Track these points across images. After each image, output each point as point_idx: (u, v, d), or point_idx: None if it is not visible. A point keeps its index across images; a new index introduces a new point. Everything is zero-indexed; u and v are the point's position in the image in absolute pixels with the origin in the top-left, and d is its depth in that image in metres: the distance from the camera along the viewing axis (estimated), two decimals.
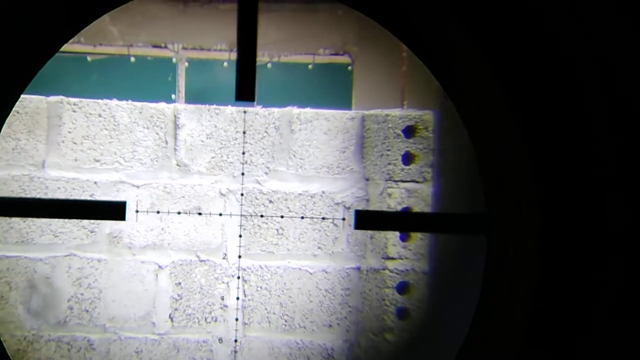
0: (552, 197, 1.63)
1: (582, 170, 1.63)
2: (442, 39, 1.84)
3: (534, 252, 1.68)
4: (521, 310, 1.72)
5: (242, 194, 2.92)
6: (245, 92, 1.88)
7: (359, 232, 2.90)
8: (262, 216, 2.92)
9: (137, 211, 2.88)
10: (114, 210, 1.90)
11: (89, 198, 2.90)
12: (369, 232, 2.91)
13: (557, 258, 1.65)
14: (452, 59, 1.86)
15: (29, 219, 2.88)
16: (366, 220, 2.01)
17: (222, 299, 2.93)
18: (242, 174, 2.91)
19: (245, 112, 2.89)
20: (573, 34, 1.61)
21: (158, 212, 2.89)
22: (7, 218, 2.88)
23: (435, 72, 1.97)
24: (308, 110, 2.93)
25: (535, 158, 1.64)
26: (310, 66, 2.94)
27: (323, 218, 2.90)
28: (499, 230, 1.85)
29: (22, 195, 2.88)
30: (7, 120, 2.84)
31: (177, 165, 2.92)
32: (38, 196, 2.89)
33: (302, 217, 2.90)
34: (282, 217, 2.91)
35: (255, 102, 2.54)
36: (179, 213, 2.90)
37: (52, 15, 1.81)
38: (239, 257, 2.93)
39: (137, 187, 2.92)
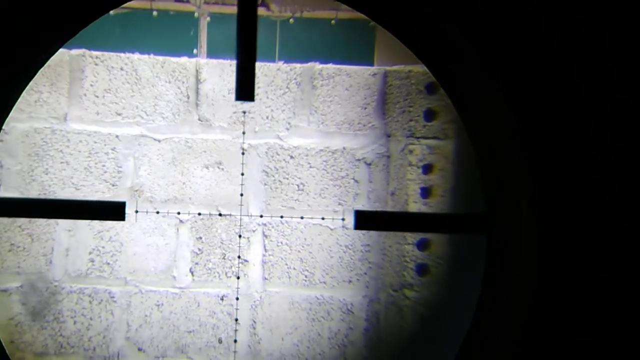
0: (551, 198, 1.64)
1: (581, 172, 1.63)
2: (441, 41, 1.83)
3: (533, 252, 1.69)
4: (520, 309, 1.73)
5: (263, 150, 2.92)
6: (245, 92, 1.89)
7: (380, 188, 2.90)
8: (283, 171, 2.93)
9: (136, 211, 2.89)
10: (114, 211, 1.91)
11: (108, 155, 2.91)
12: (390, 188, 2.92)
13: (556, 258, 1.65)
14: (452, 61, 1.86)
15: (52, 172, 2.90)
16: (366, 220, 2.02)
17: (243, 253, 2.95)
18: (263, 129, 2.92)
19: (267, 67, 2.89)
20: (572, 35, 1.61)
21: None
22: (29, 171, 2.89)
23: (435, 73, 1.97)
24: (330, 66, 2.93)
25: (534, 159, 1.64)
26: (332, 21, 2.93)
27: (342, 219, 2.91)
28: (498, 231, 1.86)
29: (45, 147, 2.89)
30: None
31: (199, 119, 2.93)
32: (60, 149, 2.90)
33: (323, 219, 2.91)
34: (302, 172, 2.92)
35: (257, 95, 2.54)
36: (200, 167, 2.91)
37: (53, 15, 1.81)
38: (260, 212, 2.94)
39: (159, 141, 2.92)
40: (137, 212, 2.91)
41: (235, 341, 2.95)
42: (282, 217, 2.94)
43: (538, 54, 1.64)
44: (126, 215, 1.93)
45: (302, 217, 2.94)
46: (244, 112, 2.90)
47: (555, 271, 1.68)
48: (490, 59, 1.67)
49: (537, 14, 1.63)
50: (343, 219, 2.90)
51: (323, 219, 2.94)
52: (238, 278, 2.95)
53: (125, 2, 2.06)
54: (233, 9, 2.98)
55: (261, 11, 2.88)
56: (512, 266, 1.83)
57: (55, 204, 2.21)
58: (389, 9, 1.95)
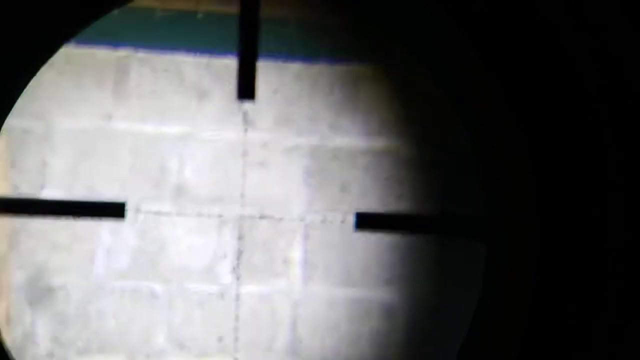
0: (552, 204, 1.65)
1: (583, 176, 1.65)
2: (443, 44, 1.85)
3: (533, 259, 1.70)
4: (519, 316, 1.75)
5: (307, 150, 2.95)
6: (246, 91, 1.91)
7: (427, 190, 2.93)
8: (326, 172, 2.95)
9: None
10: (114, 210, 1.93)
11: (154, 153, 2.94)
12: (434, 189, 2.94)
13: (555, 264, 1.67)
14: (453, 64, 1.87)
15: (96, 170, 2.92)
16: (367, 221, 2.05)
17: (284, 253, 2.97)
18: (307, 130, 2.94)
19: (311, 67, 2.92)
20: (575, 32, 1.62)
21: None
22: (74, 170, 2.91)
23: (437, 77, 1.98)
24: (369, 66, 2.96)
25: (536, 164, 1.66)
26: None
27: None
28: (498, 235, 1.87)
29: (90, 146, 2.92)
30: (75, 72, 2.86)
31: (243, 120, 2.95)
32: (105, 148, 2.92)
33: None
34: (346, 173, 2.95)
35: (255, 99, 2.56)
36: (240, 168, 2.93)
37: (58, 10, 1.82)
38: (302, 212, 2.96)
39: (203, 141, 2.95)
40: (173, 214, 2.93)
41: (276, 340, 2.97)
42: (324, 217, 2.96)
43: (540, 57, 1.65)
44: (126, 213, 1.92)
45: (344, 217, 2.96)
46: (288, 114, 2.93)
47: (555, 277, 1.70)
48: (492, 64, 1.68)
49: (538, 12, 1.65)
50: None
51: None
52: (278, 278, 2.97)
53: (130, 1, 2.04)
54: (276, 11, 3.01)
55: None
56: (511, 271, 1.84)
57: (53, 204, 2.21)
58: (392, 15, 1.96)
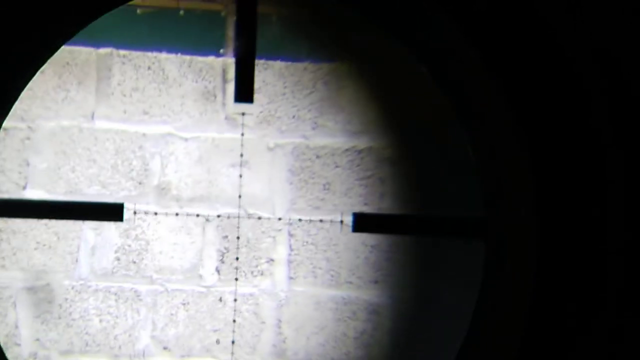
0: (550, 203, 1.63)
1: (582, 176, 1.62)
2: (442, 45, 1.83)
3: (533, 258, 1.68)
4: (518, 313, 1.73)
5: (290, 149, 2.92)
6: (244, 93, 1.89)
7: (409, 188, 2.90)
8: (309, 171, 2.93)
9: (134, 212, 2.89)
10: (112, 212, 1.91)
11: (135, 153, 2.92)
12: (417, 188, 2.91)
13: (555, 263, 1.65)
14: (453, 64, 1.85)
15: (78, 170, 2.91)
16: (364, 222, 2.02)
17: (269, 252, 2.95)
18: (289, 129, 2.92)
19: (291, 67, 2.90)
20: (574, 31, 1.60)
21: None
22: (56, 169, 2.90)
23: (436, 77, 1.96)
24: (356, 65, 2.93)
25: (535, 163, 1.64)
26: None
27: (340, 221, 2.91)
28: (497, 235, 1.85)
29: (72, 146, 2.90)
30: (57, 72, 2.85)
31: (225, 119, 2.93)
32: (87, 147, 2.90)
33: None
34: (329, 172, 2.92)
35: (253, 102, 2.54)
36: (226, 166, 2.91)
37: (57, 10, 1.80)
38: (286, 211, 2.94)
39: (186, 140, 2.93)
40: (156, 213, 2.92)
41: (260, 340, 2.95)
42: (307, 216, 2.94)
43: (539, 57, 1.63)
44: (124, 215, 1.91)
45: (327, 217, 2.93)
46: (270, 112, 2.90)
47: (554, 276, 1.68)
48: (491, 64, 1.66)
49: (537, 13, 1.63)
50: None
51: (342, 221, 2.94)
52: (262, 277, 2.95)
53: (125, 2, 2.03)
54: (260, 9, 2.98)
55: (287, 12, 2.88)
56: (511, 271, 1.82)
57: (51, 205, 2.20)
58: (386, 10, 1.93)
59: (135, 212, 2.88)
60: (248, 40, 1.92)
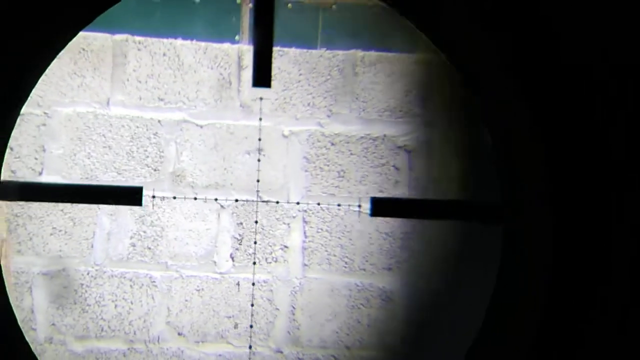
0: (565, 191, 1.64)
1: (596, 166, 1.63)
2: (464, 36, 1.83)
3: (548, 244, 1.69)
4: (535, 300, 1.73)
5: (305, 136, 2.93)
6: (262, 78, 1.89)
7: (423, 175, 2.90)
8: (324, 158, 2.93)
9: (153, 197, 2.90)
10: (131, 196, 1.92)
11: (150, 140, 2.92)
12: (432, 176, 2.92)
13: (570, 249, 1.66)
14: (473, 54, 1.85)
15: (94, 156, 2.92)
16: (382, 207, 2.03)
17: (283, 239, 2.96)
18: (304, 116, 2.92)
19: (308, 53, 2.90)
20: (587, 31, 1.61)
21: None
22: (72, 155, 2.91)
23: (457, 66, 1.97)
24: (372, 53, 2.93)
25: (550, 153, 1.65)
26: (375, 8, 2.92)
27: (358, 205, 2.91)
28: (513, 221, 1.86)
29: (87, 132, 2.91)
30: (72, 58, 2.85)
31: (241, 106, 2.93)
32: (103, 133, 2.91)
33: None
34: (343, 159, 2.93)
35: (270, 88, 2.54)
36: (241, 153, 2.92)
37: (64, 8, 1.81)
38: (301, 198, 2.95)
39: (201, 126, 2.93)
40: (174, 197, 2.93)
41: (275, 327, 2.96)
42: (322, 203, 2.95)
43: (554, 49, 1.64)
44: (143, 200, 1.91)
45: (342, 203, 2.94)
46: (285, 99, 2.91)
47: (569, 261, 1.69)
48: (509, 56, 1.67)
49: (550, 11, 1.64)
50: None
51: (360, 206, 2.94)
52: (276, 264, 2.96)
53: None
54: None
55: None
56: (527, 256, 1.83)
57: (70, 189, 2.21)
58: (423, 10, 1.94)
59: (153, 197, 2.89)
60: (265, 25, 1.92)
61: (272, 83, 2.91)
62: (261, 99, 2.88)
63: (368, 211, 2.89)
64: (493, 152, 1.91)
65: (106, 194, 1.92)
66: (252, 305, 2.97)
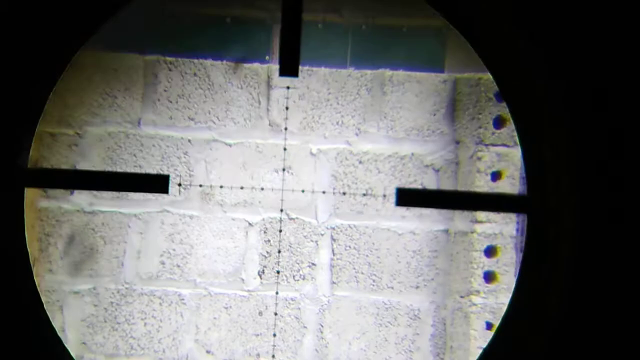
0: (591, 182, 1.66)
1: (622, 157, 1.65)
2: (493, 29, 1.86)
3: (574, 234, 1.70)
4: (558, 287, 1.74)
5: (333, 154, 2.96)
6: (289, 67, 1.90)
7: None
8: (352, 176, 2.96)
9: (179, 184, 2.92)
10: (158, 183, 1.93)
11: (180, 159, 2.96)
12: None
13: (595, 239, 1.67)
14: (500, 45, 1.88)
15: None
16: (408, 197, 2.03)
17: (311, 257, 2.98)
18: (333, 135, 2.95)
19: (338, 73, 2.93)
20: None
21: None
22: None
23: (484, 59, 1.98)
24: (400, 72, 2.96)
25: (577, 144, 1.67)
26: (404, 28, 2.96)
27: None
28: (538, 212, 1.87)
29: (118, 151, 2.95)
30: (104, 78, 2.90)
31: (269, 125, 2.97)
32: (133, 152, 2.95)
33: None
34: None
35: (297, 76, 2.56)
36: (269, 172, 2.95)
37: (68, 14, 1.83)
38: (328, 215, 2.97)
39: (230, 145, 2.97)
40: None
41: (302, 345, 2.97)
42: (350, 221, 2.96)
43: (590, 38, 1.67)
44: (169, 188, 1.93)
45: (370, 222, 2.96)
46: (314, 118, 2.94)
47: (594, 251, 1.70)
48: (540, 48, 1.69)
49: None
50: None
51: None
52: (304, 281, 2.98)
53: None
54: (305, 16, 3.02)
55: (333, 17, 2.92)
56: (552, 247, 1.84)
57: (99, 176, 2.22)
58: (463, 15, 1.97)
59: (180, 184, 2.92)
60: (293, 11, 1.94)
61: (301, 102, 2.95)
62: (288, 87, 2.91)
63: (407, 230, 2.91)
64: (520, 144, 1.93)
65: (133, 181, 1.94)
66: (279, 323, 2.98)
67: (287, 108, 2.91)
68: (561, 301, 1.71)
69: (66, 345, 2.04)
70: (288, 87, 2.91)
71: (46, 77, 1.90)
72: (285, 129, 2.96)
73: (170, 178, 2.95)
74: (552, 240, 1.81)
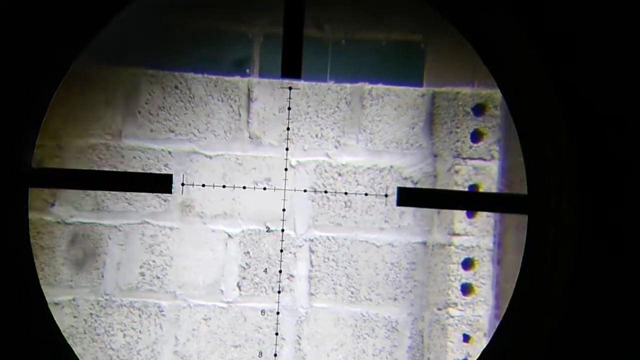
0: (591, 182, 1.68)
1: (622, 157, 1.67)
2: (496, 31, 1.88)
3: (574, 234, 1.72)
4: (558, 289, 1.76)
5: (312, 166, 2.98)
6: (291, 69, 1.91)
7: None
8: (327, 191, 2.98)
9: (182, 184, 2.94)
10: (160, 183, 1.94)
11: (160, 171, 2.98)
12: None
13: (595, 240, 1.69)
14: (502, 48, 1.90)
15: None
16: (408, 197, 2.04)
17: (289, 268, 2.99)
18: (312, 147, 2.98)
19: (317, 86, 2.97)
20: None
21: (224, 186, 2.96)
22: None
23: (484, 58, 2.00)
24: (379, 86, 2.99)
25: (577, 145, 1.69)
26: (383, 43, 2.99)
27: (385, 195, 2.96)
28: (538, 212, 1.89)
29: (99, 163, 2.97)
30: (84, 90, 2.92)
31: (249, 137, 2.99)
32: (114, 164, 2.97)
33: (366, 194, 2.96)
34: (346, 192, 2.98)
35: (301, 78, 2.59)
36: (246, 186, 2.97)
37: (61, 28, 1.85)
38: (307, 227, 2.99)
39: (210, 157, 2.99)
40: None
41: (276, 356, 2.99)
42: (328, 233, 2.99)
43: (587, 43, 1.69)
44: (172, 188, 1.95)
45: (348, 234, 2.98)
46: (288, 129, 2.97)
47: (594, 252, 1.71)
48: (540, 51, 1.71)
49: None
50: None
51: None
52: (282, 293, 2.99)
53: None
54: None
55: (314, 32, 2.95)
56: (552, 247, 1.85)
57: (102, 176, 2.23)
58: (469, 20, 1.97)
59: (183, 184, 2.94)
60: (295, 12, 1.95)
61: (280, 115, 2.98)
62: (290, 88, 2.94)
63: (385, 242, 2.94)
64: (521, 145, 1.95)
65: (135, 181, 1.96)
66: (258, 334, 2.99)
67: (290, 88, 2.93)
68: (561, 301, 1.72)
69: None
70: (290, 88, 2.93)
71: (50, 75, 1.92)
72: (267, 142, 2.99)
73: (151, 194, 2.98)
74: (552, 240, 1.82)
